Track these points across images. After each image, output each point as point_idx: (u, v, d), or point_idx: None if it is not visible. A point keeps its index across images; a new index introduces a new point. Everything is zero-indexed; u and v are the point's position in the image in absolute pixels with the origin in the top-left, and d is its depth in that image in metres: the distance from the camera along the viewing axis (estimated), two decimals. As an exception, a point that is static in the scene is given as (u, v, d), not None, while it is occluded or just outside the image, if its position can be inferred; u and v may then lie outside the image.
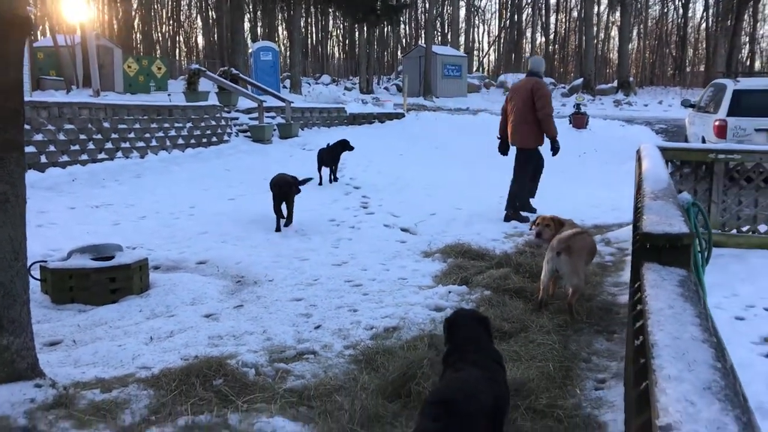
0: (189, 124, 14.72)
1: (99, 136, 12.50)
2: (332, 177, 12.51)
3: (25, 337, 3.72)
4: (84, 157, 12.12)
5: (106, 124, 12.68)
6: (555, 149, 9.34)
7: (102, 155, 12.51)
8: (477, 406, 2.55)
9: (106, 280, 5.58)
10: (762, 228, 7.66)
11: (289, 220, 8.55)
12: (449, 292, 5.80)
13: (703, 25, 58.53)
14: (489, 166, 14.28)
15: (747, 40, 52.19)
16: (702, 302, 1.90)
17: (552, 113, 9.24)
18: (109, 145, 12.70)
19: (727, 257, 7.03)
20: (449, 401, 2.53)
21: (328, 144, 12.46)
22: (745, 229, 7.73)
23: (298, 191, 8.67)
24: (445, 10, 61.15)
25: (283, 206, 8.53)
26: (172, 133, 14.22)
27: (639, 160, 6.23)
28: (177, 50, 62.81)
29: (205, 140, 15.14)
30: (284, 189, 8.43)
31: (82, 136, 12.16)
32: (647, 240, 2.31)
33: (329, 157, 12.31)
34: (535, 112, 9.04)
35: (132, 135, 13.23)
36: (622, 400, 3.80)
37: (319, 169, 12.24)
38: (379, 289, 6.04)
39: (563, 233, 5.56)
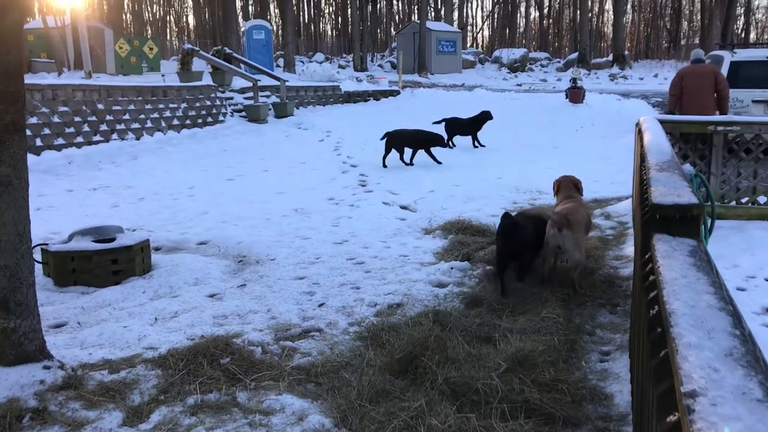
0: (184, 105, 14.64)
1: (94, 118, 12.42)
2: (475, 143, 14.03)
3: (32, 320, 3.73)
4: (79, 139, 12.06)
5: (100, 106, 12.60)
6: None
7: (97, 137, 12.45)
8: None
9: (108, 262, 5.58)
10: (761, 199, 7.68)
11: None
12: (451, 268, 5.81)
13: (698, -3, 58.09)
14: (485, 141, 14.28)
15: (742, 11, 51.93)
16: (714, 271, 1.91)
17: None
18: (104, 127, 12.63)
19: (726, 229, 7.05)
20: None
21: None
22: (744, 200, 7.74)
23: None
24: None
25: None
26: (167, 114, 14.15)
27: (639, 132, 6.21)
28: (168, 30, 62.33)
29: (200, 120, 15.07)
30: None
31: (77, 119, 12.08)
32: (657, 211, 2.31)
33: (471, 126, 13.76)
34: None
35: (127, 116, 13.16)
36: (627, 372, 3.83)
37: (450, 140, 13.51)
38: (381, 267, 6.05)
39: (561, 207, 5.58)
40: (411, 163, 11.78)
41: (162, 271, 5.83)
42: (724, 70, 12.57)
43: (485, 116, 13.86)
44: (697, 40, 55.21)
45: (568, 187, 6.05)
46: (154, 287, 5.49)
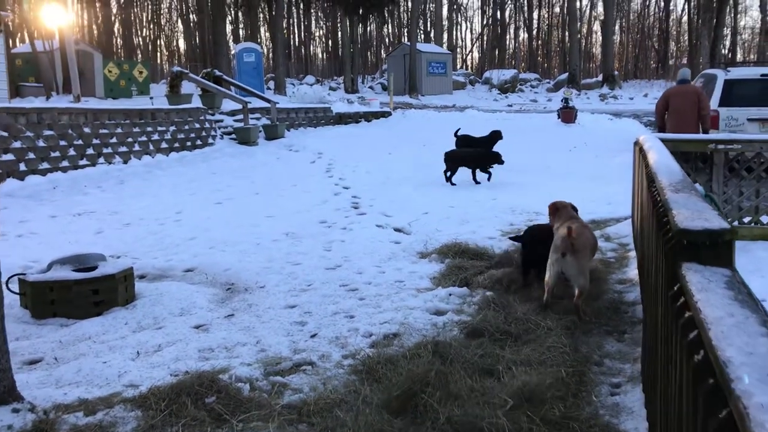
0: (172, 128, 14.42)
1: (80, 142, 12.17)
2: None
3: (0, 359, 3.45)
4: (65, 163, 11.79)
5: (86, 130, 12.36)
6: None
7: (83, 161, 12.19)
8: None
9: (89, 292, 5.30)
10: (764, 219, 7.49)
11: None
12: (449, 294, 5.57)
13: (685, 18, 58.69)
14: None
15: (729, 32, 52.40)
16: (761, 307, 1.68)
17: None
18: (90, 150, 12.37)
19: (730, 250, 6.84)
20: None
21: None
22: (746, 220, 7.56)
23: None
24: (427, 8, 60.95)
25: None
26: (156, 137, 13.91)
27: (641, 151, 6.02)
28: (158, 54, 62.30)
29: (189, 143, 14.84)
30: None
31: (63, 143, 11.83)
32: (684, 237, 2.09)
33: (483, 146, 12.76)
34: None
35: (114, 140, 12.91)
36: (641, 406, 3.58)
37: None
38: (376, 293, 5.80)
39: (561, 231, 5.34)
40: (477, 182, 11.93)
41: (146, 300, 5.55)
42: (718, 89, 12.49)
43: (496, 136, 13.24)
44: (684, 60, 55.64)
45: (566, 208, 5.82)
46: (137, 318, 5.21)
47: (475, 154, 12.13)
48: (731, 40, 54.76)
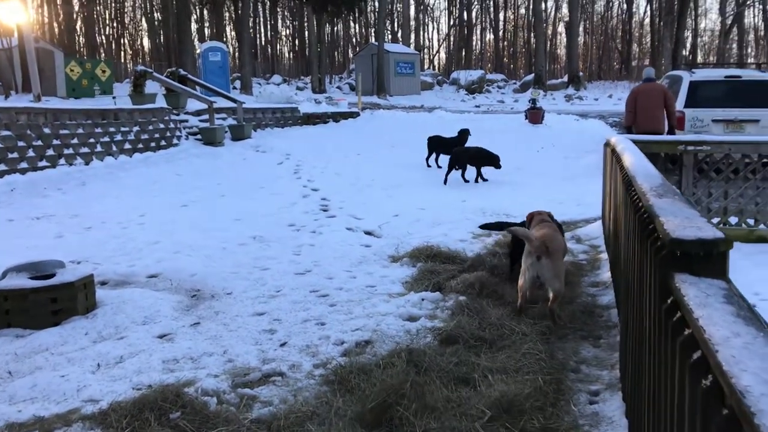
0: (136, 128, 14.07)
1: (39, 143, 11.79)
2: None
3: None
4: (23, 165, 11.40)
5: (46, 130, 11.98)
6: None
7: (43, 163, 11.80)
8: None
9: (46, 301, 5.06)
10: (733, 220, 7.53)
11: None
12: (422, 299, 5.45)
13: (647, 20, 59.62)
14: (446, 163, 14.04)
15: (690, 34, 53.32)
16: (764, 323, 1.59)
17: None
18: (50, 152, 11.99)
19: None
20: None
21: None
22: (715, 221, 7.59)
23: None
24: (395, 8, 60.92)
25: None
26: (118, 137, 13.55)
27: (613, 153, 5.99)
28: (122, 53, 61.18)
29: (153, 144, 14.50)
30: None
31: (21, 143, 11.44)
32: (677, 247, 1.99)
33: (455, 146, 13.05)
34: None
35: (75, 141, 12.54)
36: (620, 415, 3.51)
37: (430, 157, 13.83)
38: (347, 299, 5.66)
39: (536, 234, 5.27)
40: (477, 181, 12.32)
41: (107, 308, 5.32)
42: (684, 90, 12.63)
43: (465, 135, 13.67)
44: (647, 61, 56.49)
45: (541, 215, 5.77)
46: (97, 328, 4.98)
47: (478, 153, 12.34)
48: (692, 42, 55.74)
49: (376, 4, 45.85)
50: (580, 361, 4.35)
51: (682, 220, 2.22)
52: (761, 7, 56.97)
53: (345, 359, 4.33)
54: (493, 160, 12.19)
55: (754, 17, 59.95)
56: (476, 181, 12.31)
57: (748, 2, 53.57)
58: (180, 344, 4.68)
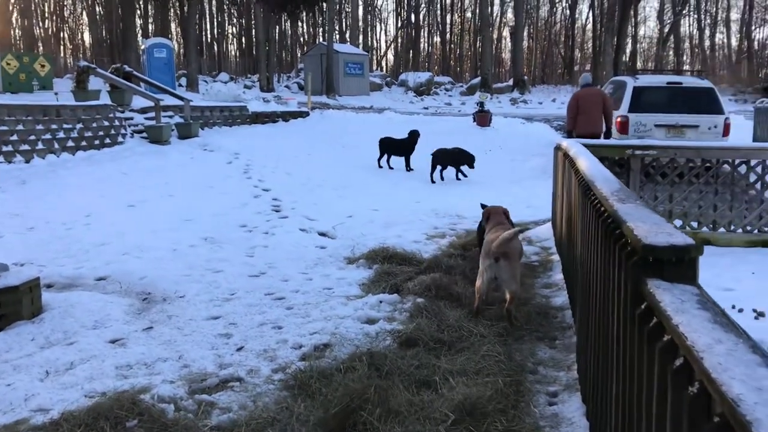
0: (79, 125, 13.63)
1: (-25, 139, 11.32)
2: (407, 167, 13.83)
3: None
4: (-42, 162, 10.93)
5: (-17, 126, 11.50)
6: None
7: (-20, 160, 11.33)
8: None
9: (-11, 306, 4.85)
10: (677, 223, 7.76)
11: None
12: (380, 301, 5.44)
13: (589, 26, 61.07)
14: (398, 164, 14.09)
15: (629, 41, 54.85)
16: (741, 329, 1.63)
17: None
18: (-13, 148, 11.52)
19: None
20: None
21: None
22: (661, 224, 7.80)
23: None
24: (343, 9, 60.76)
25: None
26: (61, 135, 13.10)
27: (565, 157, 6.10)
28: (62, 47, 59.27)
29: (97, 142, 14.07)
30: None
31: (-44, 140, 10.96)
32: (649, 253, 2.03)
33: (406, 148, 13.76)
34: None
35: (15, 137, 12.07)
36: (580, 416, 3.57)
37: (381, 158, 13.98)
38: (304, 302, 5.60)
39: (491, 236, 5.32)
40: (458, 178, 13.11)
41: (55, 313, 5.13)
42: (628, 96, 13.00)
43: (415, 135, 13.93)
44: (588, 67, 57.88)
45: (498, 214, 5.84)
46: (45, 333, 4.80)
47: (458, 153, 13.01)
48: (632, 48, 57.35)
49: (324, 4, 45.62)
50: (538, 363, 4.41)
51: (651, 226, 2.27)
52: (696, 16, 59.18)
53: (304, 363, 4.29)
54: (470, 160, 12.92)
55: (689, 26, 62.12)
56: (457, 178, 13.08)
57: (684, 12, 55.55)
58: (133, 349, 4.55)
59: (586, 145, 7.19)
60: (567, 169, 5.69)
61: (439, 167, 12.96)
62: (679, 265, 2.01)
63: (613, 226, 2.68)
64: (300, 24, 63.44)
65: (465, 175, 13.17)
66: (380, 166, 14.01)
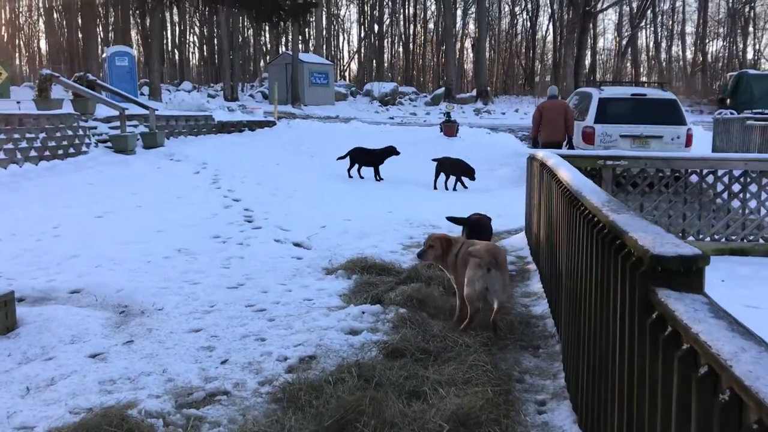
0: (42, 135, 13.33)
1: (-66, 149, 10.98)
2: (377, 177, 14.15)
3: None
4: None
5: (-58, 135, 11.17)
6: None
7: (-61, 170, 10.99)
8: None
9: (-38, 321, 4.71)
10: (648, 232, 7.93)
11: None
12: (363, 312, 5.44)
13: (549, 38, 62.17)
14: (368, 175, 14.12)
15: (589, 53, 55.98)
16: (758, 336, 1.67)
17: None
18: (-53, 158, 11.19)
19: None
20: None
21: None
22: (632, 233, 7.96)
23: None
24: (307, 18, 60.65)
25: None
26: (23, 144, 12.79)
27: (542, 167, 6.19)
28: (18, 55, 57.96)
29: (61, 152, 13.77)
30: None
31: None
32: (658, 263, 2.08)
33: (377, 158, 14.09)
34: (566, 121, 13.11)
35: (-25, 147, 11.75)
36: (570, 424, 3.62)
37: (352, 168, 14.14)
38: (286, 313, 5.56)
39: (479, 246, 5.36)
40: (454, 188, 13.62)
41: (30, 327, 5.00)
42: (593, 107, 13.28)
43: (391, 151, 14.24)
44: (548, 77, 58.90)
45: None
46: (21, 348, 4.67)
47: (461, 164, 13.70)
48: (591, 60, 58.55)
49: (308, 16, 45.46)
50: (524, 371, 4.46)
51: (653, 237, 2.32)
52: (652, 29, 60.70)
53: (292, 376, 4.25)
54: (471, 172, 13.59)
55: (646, 38, 63.66)
56: (454, 188, 13.61)
57: (641, 25, 56.94)
58: (115, 364, 4.46)
59: (562, 156, 7.33)
60: (546, 179, 5.77)
61: (442, 175, 13.56)
62: (687, 275, 2.06)
63: (611, 236, 2.74)
64: (262, 33, 63.21)
65: (465, 186, 13.67)
66: (350, 176, 14.04)
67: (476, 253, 5.01)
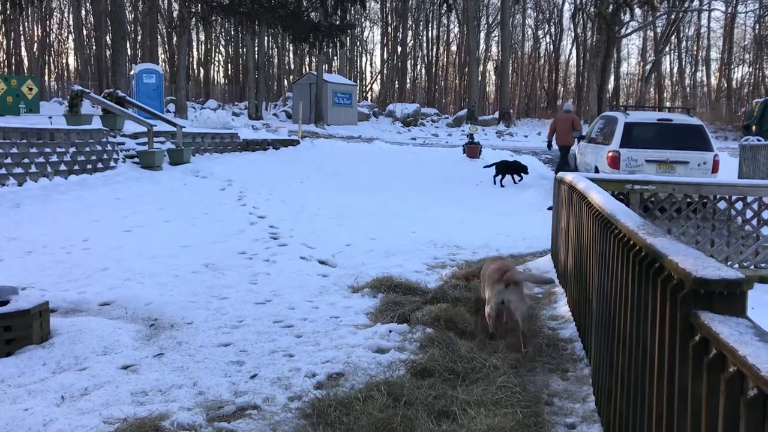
0: (72, 149, 13.59)
1: (-31, 161, 11.23)
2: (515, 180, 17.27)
3: None
4: (-49, 184, 10.83)
5: (-23, 148, 11.43)
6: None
7: (-27, 182, 11.23)
8: None
9: (-1, 329, 4.80)
10: (675, 257, 7.88)
11: None
12: (390, 331, 5.46)
13: (572, 61, 62.25)
14: (391, 194, 14.19)
15: (612, 77, 55.93)
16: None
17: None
18: (-20, 171, 11.43)
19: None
20: None
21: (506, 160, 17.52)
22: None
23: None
24: (344, 39, 61.26)
25: None
26: (54, 158, 13.05)
27: (572, 190, 6.20)
28: (47, 71, 59.05)
29: (90, 166, 14.02)
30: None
31: (-50, 161, 10.87)
32: (701, 286, 2.10)
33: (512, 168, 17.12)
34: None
35: (8, 160, 12.00)
36: (602, 448, 3.60)
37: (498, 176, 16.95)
38: (313, 330, 5.60)
39: (496, 265, 5.42)
40: (503, 186, 16.71)
41: (64, 338, 5.09)
42: (619, 131, 13.25)
43: (524, 168, 17.18)
44: (571, 101, 58.79)
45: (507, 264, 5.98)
46: (56, 358, 4.76)
47: (516, 164, 17.07)
48: (615, 84, 58.46)
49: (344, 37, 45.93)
50: (552, 394, 4.44)
51: (694, 260, 2.33)
52: (677, 55, 60.51)
53: (321, 392, 4.28)
54: (524, 169, 16.98)
55: (671, 63, 63.44)
56: (501, 184, 16.71)
57: (665, 50, 56.77)
58: (146, 376, 4.52)
59: (590, 179, 7.33)
60: (576, 202, 5.78)
61: (500, 175, 16.78)
62: (730, 299, 2.07)
63: (649, 259, 2.75)
64: (286, 53, 63.94)
65: (515, 182, 16.93)
66: (500, 185, 16.79)
67: (491, 270, 5.10)
